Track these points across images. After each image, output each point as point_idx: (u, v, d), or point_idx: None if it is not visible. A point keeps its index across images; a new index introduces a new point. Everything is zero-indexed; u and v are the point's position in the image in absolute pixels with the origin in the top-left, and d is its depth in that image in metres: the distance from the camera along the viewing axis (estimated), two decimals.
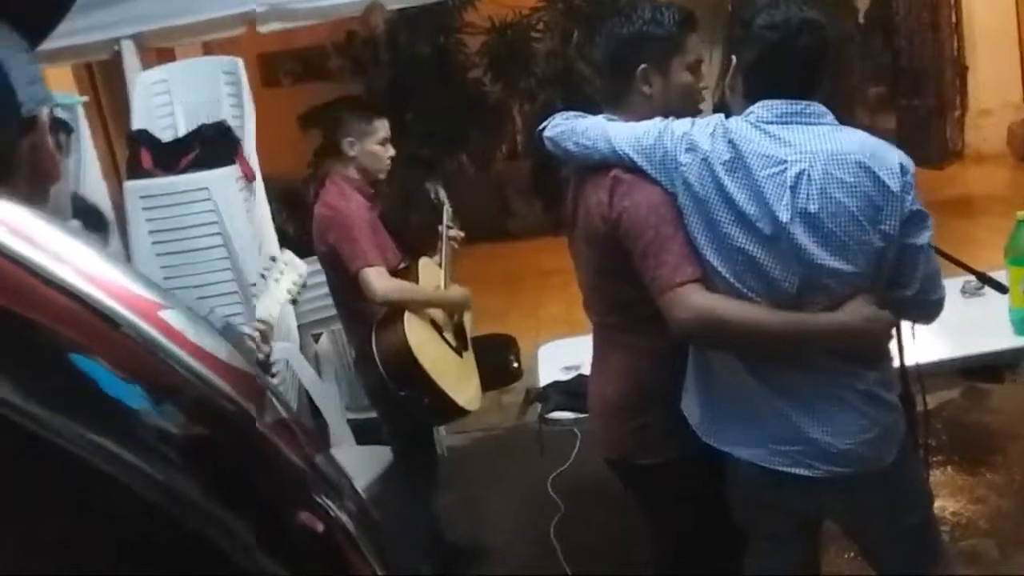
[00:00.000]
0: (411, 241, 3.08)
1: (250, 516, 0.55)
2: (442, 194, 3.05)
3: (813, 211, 1.49)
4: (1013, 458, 3.22)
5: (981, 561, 2.60)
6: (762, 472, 1.62)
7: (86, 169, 3.03)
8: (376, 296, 2.49)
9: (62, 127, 0.79)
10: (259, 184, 3.21)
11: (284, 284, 1.85)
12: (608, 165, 1.66)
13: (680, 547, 1.90)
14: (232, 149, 2.99)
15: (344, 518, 0.63)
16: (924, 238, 1.57)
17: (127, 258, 3.09)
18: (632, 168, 1.63)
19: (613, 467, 1.92)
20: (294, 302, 1.89)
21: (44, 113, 0.74)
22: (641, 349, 1.77)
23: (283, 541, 0.57)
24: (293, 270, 1.88)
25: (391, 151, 2.72)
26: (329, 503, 0.61)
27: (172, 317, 0.54)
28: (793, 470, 1.59)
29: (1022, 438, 3.35)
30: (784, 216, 1.49)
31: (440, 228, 2.98)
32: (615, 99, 1.78)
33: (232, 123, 3.06)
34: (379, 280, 2.50)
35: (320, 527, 0.60)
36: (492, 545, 3.08)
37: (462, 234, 2.98)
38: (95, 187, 3.10)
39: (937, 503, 2.74)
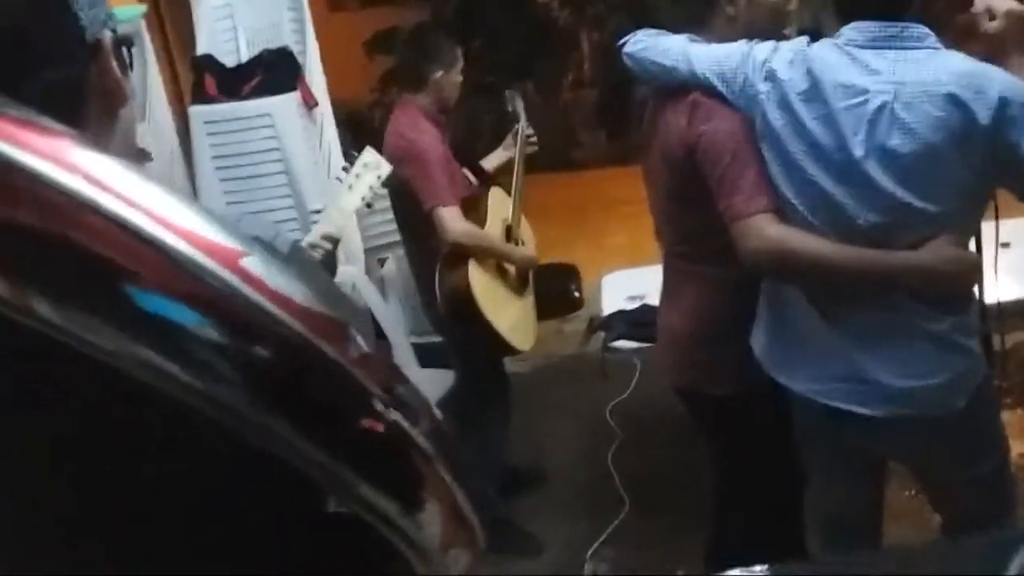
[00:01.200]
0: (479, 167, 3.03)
1: (307, 424, 0.55)
2: (519, 105, 2.94)
3: (893, 146, 1.39)
4: None
5: None
6: (821, 408, 1.59)
7: (151, 93, 3.06)
8: (448, 237, 2.49)
9: (124, 42, 0.77)
10: (325, 110, 3.21)
11: (359, 189, 1.76)
12: (688, 87, 1.61)
13: (745, 479, 1.89)
14: (294, 75, 2.99)
15: (409, 424, 0.63)
16: None
17: (192, 184, 3.15)
18: (713, 92, 1.57)
19: (682, 396, 1.91)
20: (369, 206, 1.81)
21: (107, 36, 0.72)
22: (713, 280, 1.74)
23: (344, 445, 0.57)
24: (371, 171, 1.79)
25: (461, 78, 2.68)
26: (391, 410, 0.61)
27: (252, 264, 0.54)
28: (850, 407, 1.55)
29: None
30: (859, 151, 1.41)
31: (513, 135, 2.88)
32: (697, 19, 1.71)
33: (294, 48, 3.05)
34: (453, 221, 2.49)
35: (380, 429, 0.59)
36: (551, 470, 3.11)
37: (534, 150, 2.90)
38: (162, 112, 3.14)
39: (1013, 447, 2.66)
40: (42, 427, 0.57)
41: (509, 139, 2.92)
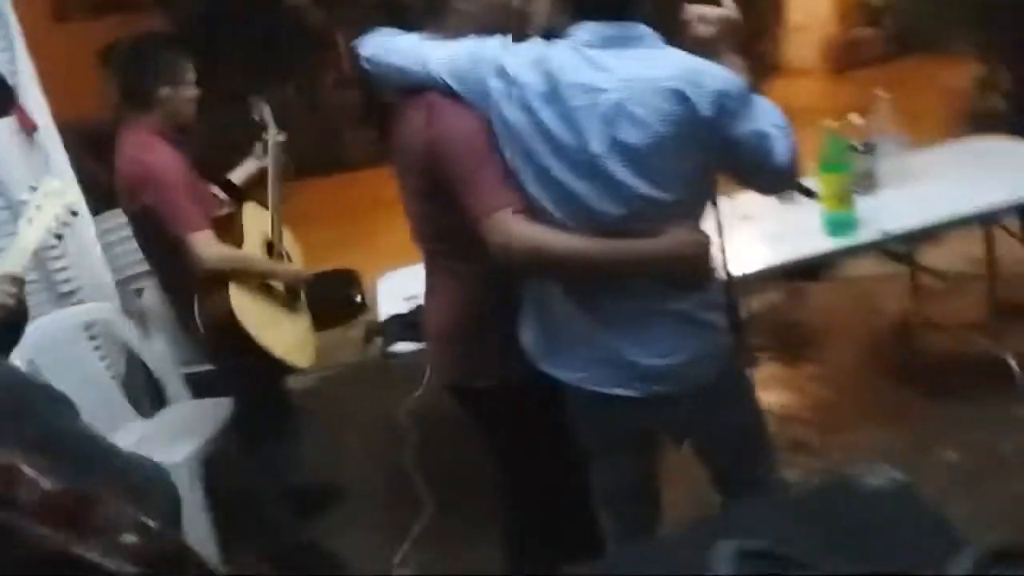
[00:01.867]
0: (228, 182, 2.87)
1: None
2: (267, 113, 2.79)
3: (627, 140, 1.44)
4: (830, 351, 3.46)
5: (805, 448, 2.79)
6: (587, 393, 1.65)
7: None
8: (204, 265, 2.33)
9: None
10: (49, 133, 2.91)
11: (41, 222, 1.64)
12: (425, 88, 1.59)
13: (520, 472, 1.92)
14: (6, 98, 2.68)
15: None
16: (746, 128, 1.49)
17: None
18: (448, 92, 1.56)
19: (450, 391, 1.91)
20: (59, 237, 1.67)
21: None
22: (468, 274, 1.74)
23: None
24: (55, 201, 1.66)
25: (195, 92, 2.51)
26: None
27: None
28: (615, 391, 1.62)
29: (837, 332, 3.61)
30: (598, 148, 1.45)
31: (262, 148, 2.75)
32: (431, 14, 1.68)
33: (4, 69, 2.73)
34: (207, 247, 2.33)
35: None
36: (349, 483, 3.04)
37: (284, 165, 2.78)
38: None
39: (765, 398, 2.92)
40: None
41: (258, 148, 2.78)
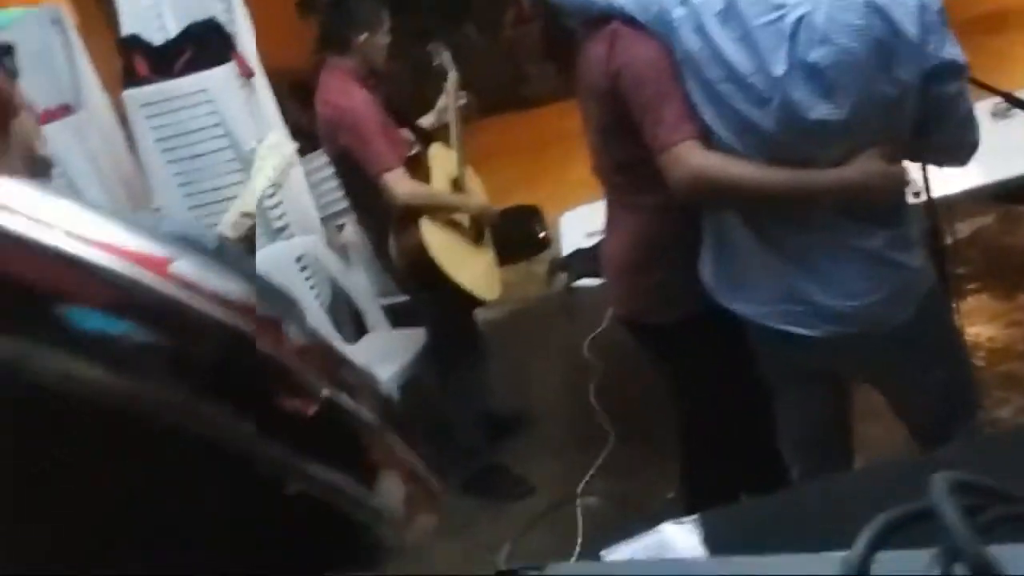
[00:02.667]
0: (422, 116, 2.99)
1: (251, 413, 0.56)
2: (447, 58, 2.91)
3: (814, 60, 1.36)
4: None
5: (1018, 384, 2.59)
6: (769, 330, 1.60)
7: (83, 79, 2.97)
8: (397, 201, 2.47)
9: (3, 51, 0.74)
10: (261, 79, 3.13)
11: (265, 172, 1.85)
12: (608, 17, 1.58)
13: (699, 406, 1.92)
14: (226, 46, 2.90)
15: (353, 402, 0.64)
16: (955, 87, 1.43)
17: (139, 169, 3.09)
18: (631, 21, 1.54)
19: (626, 326, 1.92)
20: (279, 185, 1.89)
21: None
22: (646, 208, 1.73)
23: (290, 431, 0.58)
24: (275, 153, 1.87)
25: (389, 38, 2.63)
26: (330, 388, 0.61)
27: (182, 268, 0.54)
28: (794, 329, 1.56)
29: None
30: (779, 69, 1.38)
31: (445, 94, 2.87)
32: None
33: (222, 18, 2.96)
34: (400, 184, 2.47)
35: (317, 409, 0.59)
36: (535, 412, 3.15)
37: (464, 102, 2.89)
38: (95, 97, 3.05)
39: (973, 329, 2.72)
40: None
41: (442, 93, 2.89)
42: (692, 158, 1.50)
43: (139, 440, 0.56)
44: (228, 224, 1.71)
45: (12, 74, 0.73)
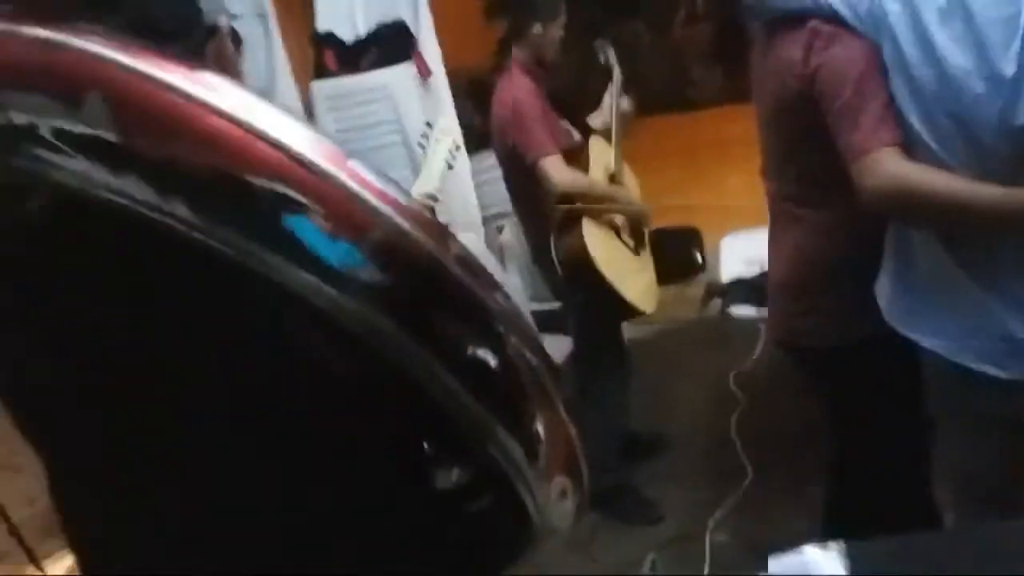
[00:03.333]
0: (589, 111, 3.01)
1: (437, 346, 0.61)
2: (612, 56, 2.92)
3: None
4: None
5: None
6: (950, 366, 1.48)
7: (277, 71, 3.14)
8: (555, 186, 2.49)
9: (235, 35, 0.87)
10: (440, 79, 3.22)
11: (440, 154, 1.86)
12: (805, 15, 1.50)
13: (853, 439, 1.82)
14: (407, 46, 3.00)
15: (528, 354, 0.66)
16: None
17: None
18: (833, 18, 1.46)
19: (784, 349, 1.84)
20: (450, 167, 1.90)
21: (223, 21, 0.81)
22: (819, 224, 1.65)
23: (470, 370, 0.62)
24: (447, 136, 1.88)
25: (563, 33, 2.66)
26: (512, 337, 0.65)
27: (359, 166, 0.60)
28: (986, 368, 1.43)
29: None
30: (1009, 69, 1.26)
31: (607, 98, 2.88)
32: None
33: (408, 20, 3.06)
34: (557, 170, 2.49)
35: (503, 357, 0.64)
36: (673, 437, 3.12)
37: (627, 105, 2.88)
38: (286, 89, 3.22)
39: None
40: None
41: (607, 90, 2.89)
42: (892, 166, 1.38)
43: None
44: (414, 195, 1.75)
45: (238, 51, 0.85)
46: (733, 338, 2.99)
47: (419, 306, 0.59)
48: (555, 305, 3.09)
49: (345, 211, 0.57)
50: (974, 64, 1.30)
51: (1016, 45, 1.27)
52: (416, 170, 3.10)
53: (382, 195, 0.58)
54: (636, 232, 2.83)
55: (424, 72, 3.04)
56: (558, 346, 3.01)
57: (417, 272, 0.59)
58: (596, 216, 2.61)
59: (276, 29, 3.09)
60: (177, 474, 0.64)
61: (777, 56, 1.58)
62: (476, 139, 3.12)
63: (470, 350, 0.62)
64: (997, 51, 1.28)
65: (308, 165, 0.56)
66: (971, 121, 1.33)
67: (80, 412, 0.65)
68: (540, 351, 0.68)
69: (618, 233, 2.72)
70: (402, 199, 0.60)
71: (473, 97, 3.57)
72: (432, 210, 1.74)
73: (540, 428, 0.68)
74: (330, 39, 3.05)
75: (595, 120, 2.91)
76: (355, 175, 0.58)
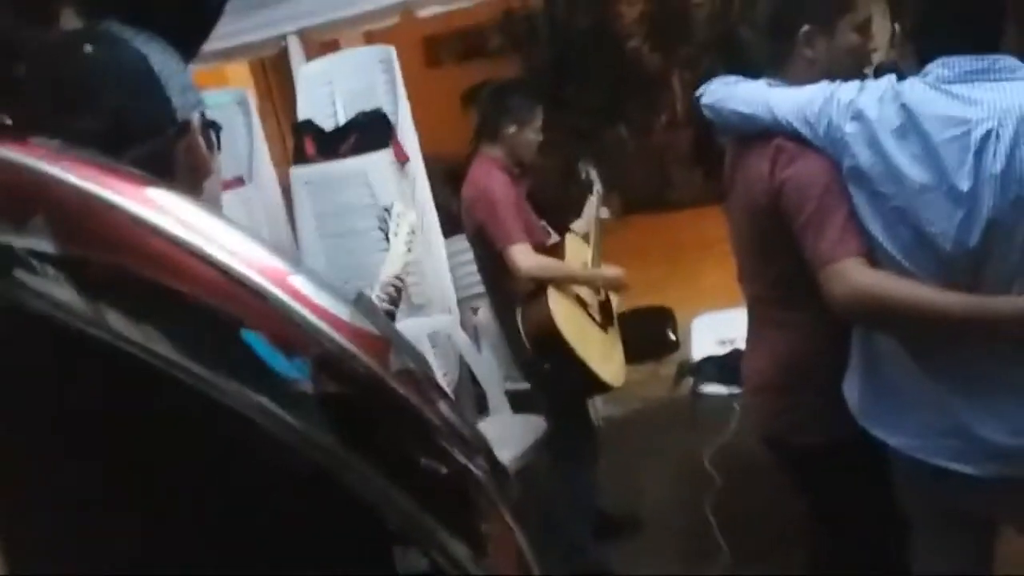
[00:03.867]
0: (569, 217, 3.11)
1: (382, 461, 0.61)
2: (593, 174, 3.08)
3: (1000, 177, 1.32)
4: None
5: None
6: (920, 464, 1.50)
7: (256, 157, 3.25)
8: (520, 272, 2.54)
9: (211, 126, 0.88)
10: (417, 165, 3.33)
11: (401, 237, 1.91)
12: (770, 134, 1.57)
13: (838, 534, 1.82)
14: (386, 133, 3.12)
15: (471, 464, 0.67)
16: None
17: (294, 240, 3.32)
18: (796, 136, 1.53)
19: (768, 445, 1.86)
20: (408, 251, 1.94)
21: (195, 117, 0.83)
22: (797, 326, 1.70)
23: (415, 483, 0.62)
24: (405, 220, 1.94)
25: (540, 137, 2.76)
26: (454, 449, 0.66)
27: (299, 282, 0.60)
28: (954, 465, 1.46)
29: None
30: (964, 184, 1.34)
31: (587, 210, 3.00)
32: (775, 63, 1.68)
33: (387, 108, 3.18)
34: (524, 256, 2.54)
35: (444, 470, 0.65)
36: (647, 517, 3.07)
37: (606, 214, 3.00)
38: (265, 173, 3.32)
39: None
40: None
41: (587, 205, 3.03)
42: (857, 274, 1.44)
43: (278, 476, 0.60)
44: (378, 287, 1.76)
45: (212, 144, 0.86)
46: (706, 417, 2.98)
47: (359, 421, 0.60)
48: (526, 386, 3.10)
49: (282, 330, 0.58)
50: (932, 179, 1.38)
51: (969, 161, 1.35)
52: None
53: (322, 312, 0.59)
54: (605, 310, 2.87)
55: (401, 157, 3.15)
56: (533, 425, 2.99)
57: (356, 389, 0.60)
58: (562, 288, 2.66)
59: (256, 117, 3.23)
60: None
61: (747, 168, 1.66)
62: (452, 222, 3.20)
63: (411, 462, 0.63)
64: (952, 167, 1.36)
65: (247, 285, 0.57)
66: (931, 233, 1.39)
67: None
68: (487, 456, 0.70)
69: (585, 308, 2.76)
70: (344, 314, 0.61)
71: (450, 182, 3.68)
72: (399, 290, 1.79)
73: (486, 532, 0.69)
74: (309, 127, 3.17)
75: (578, 226, 3.01)
76: (295, 292, 0.59)
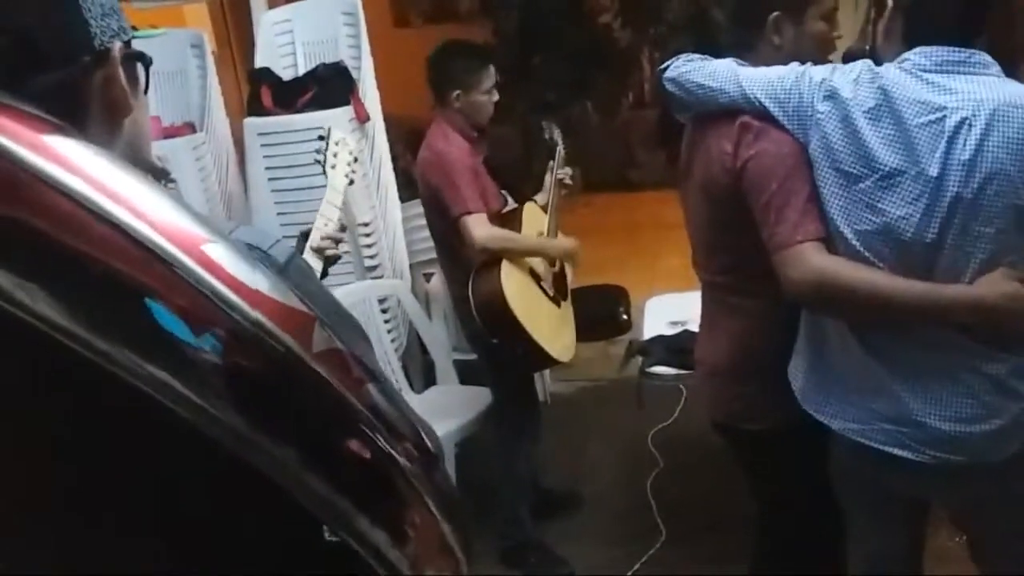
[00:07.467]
0: (529, 187, 3.05)
1: (296, 444, 0.57)
2: (556, 134, 2.99)
3: (969, 166, 1.33)
4: None
5: None
6: (861, 448, 1.52)
7: (210, 104, 3.13)
8: (475, 243, 2.48)
9: (138, 58, 0.78)
10: (378, 125, 3.23)
11: (340, 169, 1.83)
12: (735, 111, 1.54)
13: (783, 517, 1.84)
14: (347, 89, 3.02)
15: (395, 451, 0.64)
16: None
17: (244, 191, 3.21)
18: (762, 115, 1.51)
19: (718, 429, 1.85)
20: (351, 183, 1.86)
21: (117, 47, 0.73)
22: (751, 312, 1.69)
23: (332, 467, 0.59)
24: (345, 148, 1.85)
25: (495, 97, 2.68)
26: (377, 435, 0.62)
27: (215, 251, 0.55)
28: (894, 450, 1.48)
29: None
30: (933, 170, 1.34)
31: (549, 169, 2.94)
32: (743, 48, 1.66)
33: (350, 64, 3.08)
34: (478, 227, 2.48)
35: (365, 455, 0.61)
36: (588, 494, 3.07)
37: (569, 174, 2.92)
38: (218, 121, 3.20)
39: None
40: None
41: (548, 170, 2.96)
42: (814, 259, 1.43)
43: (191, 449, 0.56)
44: (319, 230, 1.68)
45: (137, 80, 0.77)
46: (653, 398, 2.97)
47: (270, 402, 0.56)
48: (474, 356, 3.05)
49: (190, 302, 0.53)
50: (902, 163, 1.37)
51: (942, 147, 1.35)
52: (347, 214, 3.09)
53: (237, 285, 0.55)
54: (559, 283, 2.83)
55: (361, 116, 3.05)
56: (479, 396, 2.95)
57: (270, 367, 0.55)
58: (516, 260, 2.61)
59: (211, 62, 3.10)
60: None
61: (707, 147, 1.62)
62: (411, 187, 3.12)
63: (327, 445, 0.59)
64: (924, 152, 1.36)
65: (154, 251, 0.52)
66: (894, 217, 1.39)
67: None
68: (415, 443, 0.67)
69: (538, 281, 2.72)
70: (264, 287, 0.56)
71: (410, 145, 3.60)
72: (336, 243, 1.71)
73: (408, 519, 0.66)
74: (267, 75, 3.04)
75: (540, 198, 2.95)
76: (207, 262, 0.54)
